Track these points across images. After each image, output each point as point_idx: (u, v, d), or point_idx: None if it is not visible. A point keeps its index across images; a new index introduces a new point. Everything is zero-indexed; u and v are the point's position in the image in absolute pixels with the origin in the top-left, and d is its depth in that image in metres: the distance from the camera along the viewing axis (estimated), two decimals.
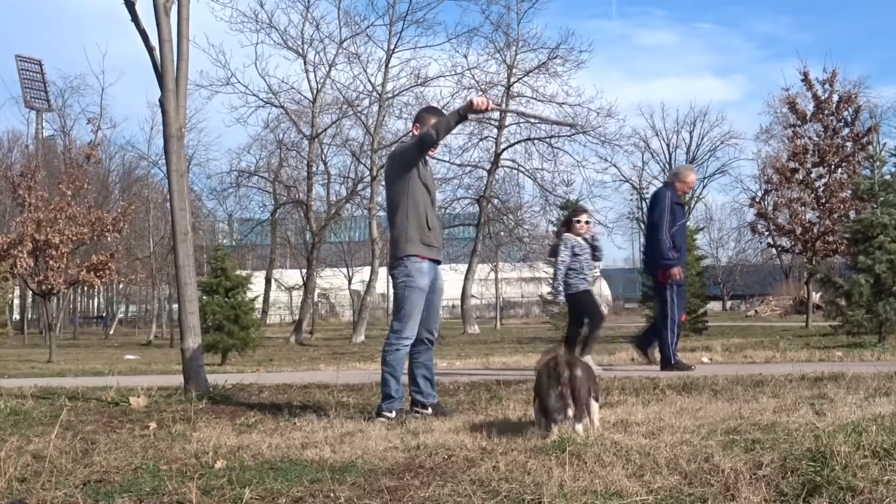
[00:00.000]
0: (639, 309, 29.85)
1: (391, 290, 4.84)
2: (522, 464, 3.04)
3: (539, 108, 28.77)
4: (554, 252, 7.73)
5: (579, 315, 7.56)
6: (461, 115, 4.64)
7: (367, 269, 27.06)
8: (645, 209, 54.20)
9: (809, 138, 21.16)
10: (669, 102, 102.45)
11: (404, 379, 4.73)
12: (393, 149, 5.00)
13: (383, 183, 4.94)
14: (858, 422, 3.34)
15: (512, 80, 28.19)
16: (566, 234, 7.62)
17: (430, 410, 4.69)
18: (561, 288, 7.46)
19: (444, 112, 5.13)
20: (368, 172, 25.63)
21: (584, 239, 7.61)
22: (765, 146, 45.05)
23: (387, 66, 25.43)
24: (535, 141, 28.88)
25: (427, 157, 4.85)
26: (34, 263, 18.42)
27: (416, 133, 4.85)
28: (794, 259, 41.15)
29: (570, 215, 7.83)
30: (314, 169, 27.57)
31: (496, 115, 28.45)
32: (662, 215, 7.40)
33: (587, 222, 7.65)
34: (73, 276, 19.18)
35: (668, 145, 53.60)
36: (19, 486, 2.99)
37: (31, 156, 29.99)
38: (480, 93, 27.37)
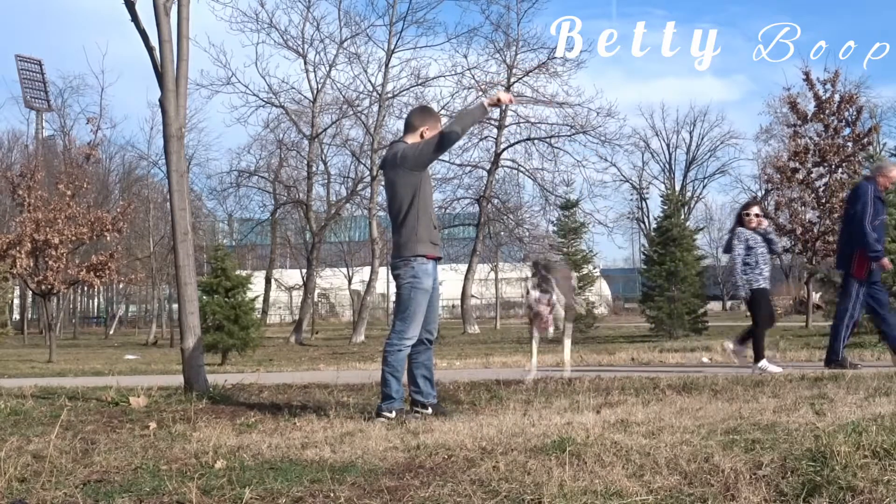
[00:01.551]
0: (639, 309, 29.85)
1: (391, 290, 4.84)
2: (522, 464, 3.04)
3: (539, 107, 28.76)
4: (728, 248, 7.60)
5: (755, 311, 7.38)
6: (485, 110, 4.67)
7: (367, 269, 27.06)
8: (645, 209, 54.11)
9: (810, 138, 21.18)
10: (669, 102, 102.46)
11: (404, 379, 4.74)
12: (398, 148, 4.92)
13: (383, 183, 5.01)
14: (858, 422, 3.34)
15: (512, 79, 28.17)
16: (738, 228, 7.45)
17: (429, 410, 4.69)
18: (741, 283, 7.26)
19: (438, 114, 5.11)
20: (368, 172, 25.62)
21: (758, 232, 7.40)
22: (765, 146, 45.00)
23: (387, 66, 25.44)
24: (535, 141, 28.89)
25: None
26: (34, 263, 18.42)
27: (424, 136, 4.72)
28: (794, 259, 41.12)
29: (741, 209, 7.66)
30: (314, 169, 27.57)
31: (496, 114, 28.46)
32: (865, 208, 7.20)
33: (757, 215, 7.44)
34: (72, 276, 19.18)
35: (668, 145, 53.68)
36: (19, 486, 2.98)
37: (31, 156, 30.01)
38: (481, 93, 27.37)
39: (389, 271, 5.02)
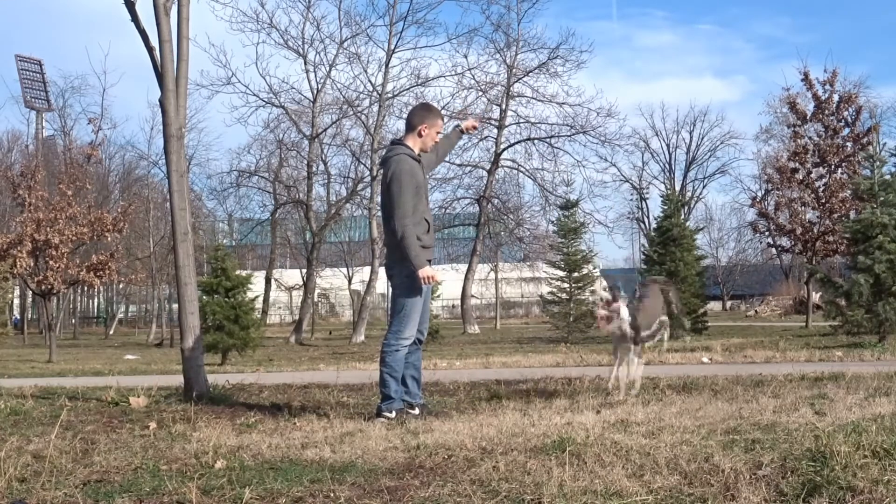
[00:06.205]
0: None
1: (391, 291, 4.82)
2: (522, 464, 3.04)
3: (539, 107, 28.81)
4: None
5: None
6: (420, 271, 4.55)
7: (367, 269, 27.05)
8: (645, 209, 54.09)
9: (810, 138, 21.18)
10: (669, 103, 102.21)
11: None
12: (391, 165, 4.86)
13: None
14: (858, 422, 3.34)
15: (512, 80, 28.20)
16: None
17: (416, 411, 4.67)
18: None
19: (437, 110, 5.08)
20: (368, 172, 25.62)
21: None
22: (765, 146, 45.08)
23: (387, 66, 25.44)
24: (536, 141, 28.90)
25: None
26: (34, 263, 18.42)
27: (422, 134, 4.74)
28: (794, 259, 41.13)
29: None
30: (314, 169, 27.56)
31: (496, 114, 28.46)
32: None
33: None
34: (72, 276, 19.17)
35: (668, 145, 53.62)
36: (19, 486, 2.98)
37: (31, 156, 30.00)
38: (480, 93, 27.38)
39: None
